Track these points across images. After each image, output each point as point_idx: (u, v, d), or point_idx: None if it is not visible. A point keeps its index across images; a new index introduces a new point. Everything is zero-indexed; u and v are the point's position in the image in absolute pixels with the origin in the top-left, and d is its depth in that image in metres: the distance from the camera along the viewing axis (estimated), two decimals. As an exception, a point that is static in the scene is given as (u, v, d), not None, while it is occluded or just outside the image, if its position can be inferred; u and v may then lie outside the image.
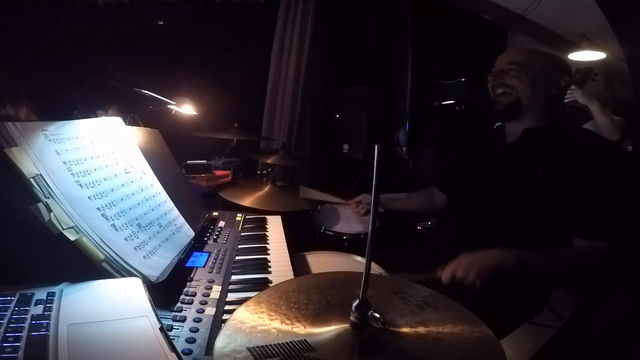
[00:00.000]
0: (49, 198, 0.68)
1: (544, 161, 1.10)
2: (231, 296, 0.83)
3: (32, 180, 0.67)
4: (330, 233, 1.59)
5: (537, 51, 1.20)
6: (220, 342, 0.53)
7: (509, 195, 1.16)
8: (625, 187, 1.00)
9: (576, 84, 2.17)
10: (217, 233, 1.17)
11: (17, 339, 0.52)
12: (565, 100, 2.09)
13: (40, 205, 0.66)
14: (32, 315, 0.57)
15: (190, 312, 0.74)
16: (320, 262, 1.29)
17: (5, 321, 0.55)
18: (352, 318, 0.53)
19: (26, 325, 0.55)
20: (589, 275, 1.03)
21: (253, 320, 0.58)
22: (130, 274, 0.73)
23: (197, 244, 1.05)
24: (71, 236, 0.68)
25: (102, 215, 0.78)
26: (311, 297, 0.64)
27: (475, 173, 1.31)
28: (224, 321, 0.71)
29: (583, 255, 1.04)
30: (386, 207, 1.56)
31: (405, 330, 0.56)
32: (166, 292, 0.77)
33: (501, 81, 1.16)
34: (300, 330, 0.55)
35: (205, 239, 1.12)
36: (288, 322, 0.57)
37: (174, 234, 0.95)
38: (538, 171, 1.10)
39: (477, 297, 0.95)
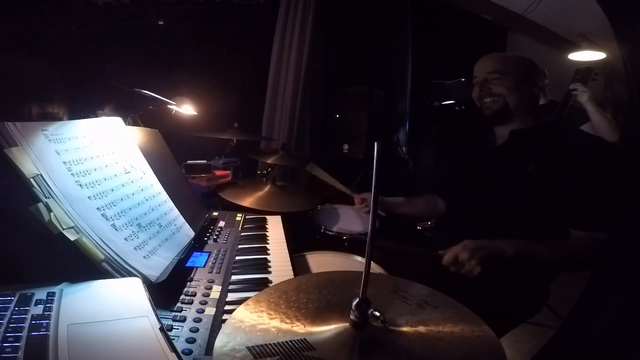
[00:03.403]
0: (49, 198, 0.68)
1: (533, 159, 1.16)
2: (231, 296, 0.83)
3: (32, 180, 0.67)
4: (330, 233, 1.59)
5: (510, 57, 1.31)
6: (219, 341, 0.53)
7: (504, 195, 1.21)
8: (613, 178, 1.04)
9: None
10: (217, 233, 1.17)
11: (17, 339, 0.52)
12: (572, 91, 2.10)
13: (40, 205, 0.66)
14: (32, 315, 0.57)
15: (190, 312, 0.74)
16: (320, 262, 1.29)
17: (5, 321, 0.55)
18: (352, 316, 0.53)
19: (26, 325, 0.54)
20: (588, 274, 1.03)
21: (252, 319, 0.57)
22: (130, 274, 0.73)
23: (197, 244, 1.05)
24: (71, 236, 0.67)
25: (102, 215, 0.78)
26: (311, 296, 0.64)
27: (470, 177, 1.36)
28: (224, 321, 0.70)
29: (581, 246, 1.06)
30: (391, 212, 1.60)
31: (405, 329, 0.55)
32: (166, 292, 0.77)
33: (488, 91, 1.24)
34: (300, 329, 0.55)
35: (205, 239, 1.12)
36: (288, 321, 0.57)
37: (174, 234, 0.95)
38: (529, 169, 1.16)
39: (476, 295, 0.95)
